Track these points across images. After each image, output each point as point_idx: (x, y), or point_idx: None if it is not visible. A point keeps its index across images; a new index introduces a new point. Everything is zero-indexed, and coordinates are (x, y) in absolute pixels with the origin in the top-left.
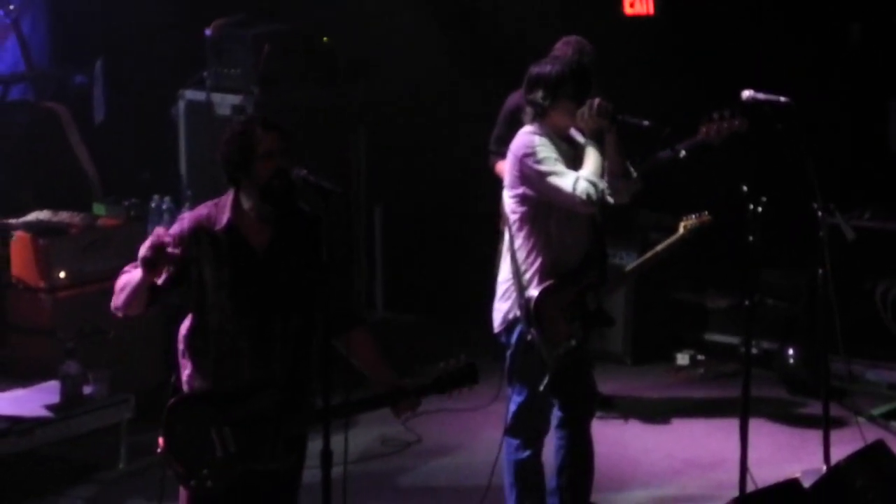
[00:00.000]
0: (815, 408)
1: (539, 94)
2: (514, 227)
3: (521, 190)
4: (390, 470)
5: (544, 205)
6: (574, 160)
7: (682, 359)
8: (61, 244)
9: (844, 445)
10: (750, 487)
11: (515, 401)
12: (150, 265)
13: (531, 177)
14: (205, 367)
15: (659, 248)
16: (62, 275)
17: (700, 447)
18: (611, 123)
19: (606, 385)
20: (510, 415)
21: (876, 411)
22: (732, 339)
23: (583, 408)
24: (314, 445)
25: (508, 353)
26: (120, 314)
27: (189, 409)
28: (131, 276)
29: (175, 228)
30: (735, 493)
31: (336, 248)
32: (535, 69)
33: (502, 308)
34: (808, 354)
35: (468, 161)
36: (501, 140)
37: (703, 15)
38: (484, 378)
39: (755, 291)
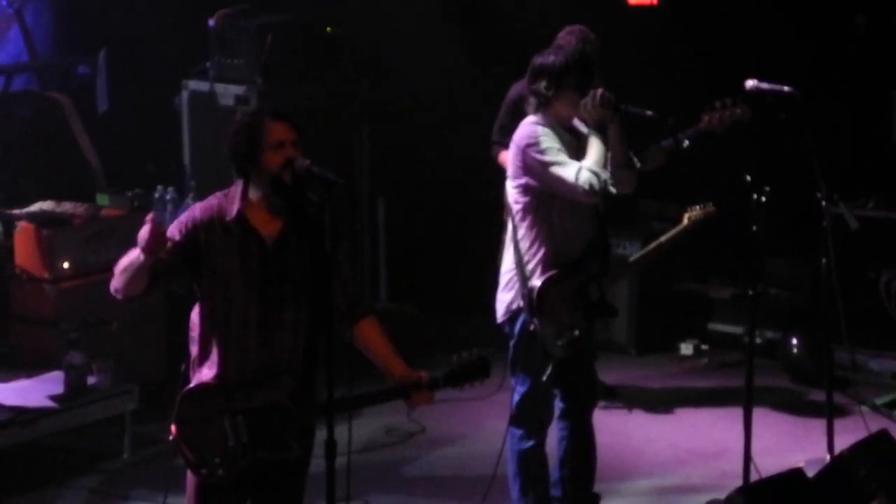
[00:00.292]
0: (818, 397)
1: (542, 85)
2: (517, 218)
3: (524, 180)
4: (394, 460)
5: (547, 195)
6: (577, 150)
7: (686, 349)
8: (65, 235)
9: (848, 435)
10: (754, 477)
11: (519, 391)
12: (148, 248)
13: (534, 167)
14: (213, 355)
15: (663, 238)
16: (66, 265)
17: (704, 437)
18: (614, 113)
19: (610, 375)
20: (514, 405)
21: (879, 400)
22: (736, 329)
23: (585, 398)
24: (320, 435)
25: (511, 343)
26: (120, 296)
27: (202, 399)
28: (132, 257)
29: (186, 216)
30: (739, 482)
31: (341, 240)
32: (538, 59)
33: (505, 298)
34: (811, 344)
35: (471, 151)
36: (504, 130)
37: (706, 5)
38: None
39: (758, 281)
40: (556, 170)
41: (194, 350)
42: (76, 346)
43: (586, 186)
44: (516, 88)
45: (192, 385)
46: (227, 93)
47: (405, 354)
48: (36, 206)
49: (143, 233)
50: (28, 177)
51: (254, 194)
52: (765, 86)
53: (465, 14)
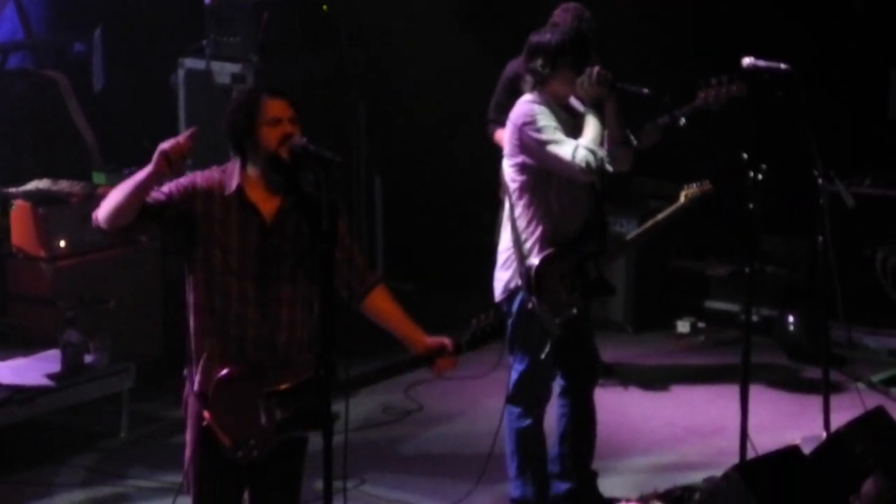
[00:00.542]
0: (815, 374)
1: (539, 63)
2: (514, 196)
3: (520, 159)
4: (391, 438)
5: (544, 173)
6: (573, 129)
7: (683, 326)
8: (61, 213)
9: (844, 412)
10: (750, 454)
11: (517, 369)
12: (167, 158)
13: (531, 146)
14: (210, 325)
15: (660, 216)
16: (62, 244)
17: (700, 414)
18: (610, 91)
19: (607, 353)
20: (511, 383)
21: (876, 378)
22: (733, 307)
23: (585, 376)
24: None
25: (509, 321)
26: (102, 221)
27: (235, 383)
28: (133, 178)
29: (187, 179)
30: (735, 459)
31: (340, 216)
32: (534, 37)
33: (503, 277)
34: (808, 321)
35: (468, 129)
36: (500, 108)
37: None
38: (485, 347)
39: (755, 259)
40: (552, 148)
41: (195, 322)
42: (73, 324)
43: (583, 164)
44: (512, 66)
45: (225, 372)
46: (224, 71)
47: None
48: (32, 185)
49: (171, 140)
50: (24, 155)
51: (252, 171)
52: (762, 63)
53: None
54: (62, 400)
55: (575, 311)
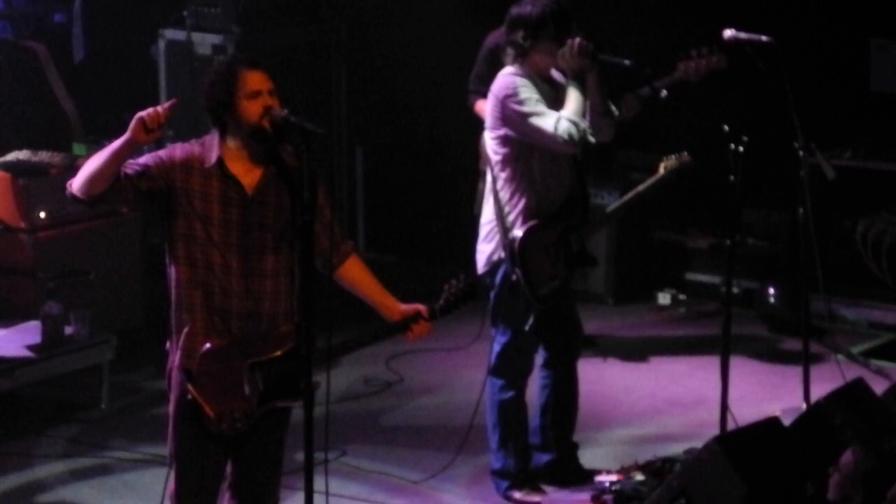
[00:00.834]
0: (795, 346)
1: (520, 35)
2: (497, 169)
3: (502, 131)
4: (373, 409)
5: (527, 146)
6: (555, 101)
7: (664, 298)
8: (41, 184)
9: (824, 384)
10: (730, 426)
11: (500, 341)
12: (144, 126)
13: (513, 118)
14: (193, 298)
15: (640, 188)
16: (42, 215)
17: (681, 386)
18: (592, 63)
19: (588, 325)
20: (494, 355)
21: (855, 349)
22: (713, 279)
23: (567, 348)
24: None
25: (492, 293)
26: (75, 190)
27: (220, 356)
28: (110, 147)
29: (165, 151)
30: (716, 431)
31: (320, 185)
32: (515, 10)
33: (486, 250)
34: (788, 293)
35: (450, 100)
36: (481, 79)
37: None
38: (465, 318)
39: (736, 231)
40: (535, 120)
41: (177, 295)
42: (53, 295)
43: (565, 136)
44: (493, 37)
45: (209, 346)
46: (204, 42)
47: None
48: (12, 156)
49: (151, 108)
50: (3, 126)
51: (232, 143)
52: (743, 35)
53: None
54: (42, 371)
55: (558, 282)
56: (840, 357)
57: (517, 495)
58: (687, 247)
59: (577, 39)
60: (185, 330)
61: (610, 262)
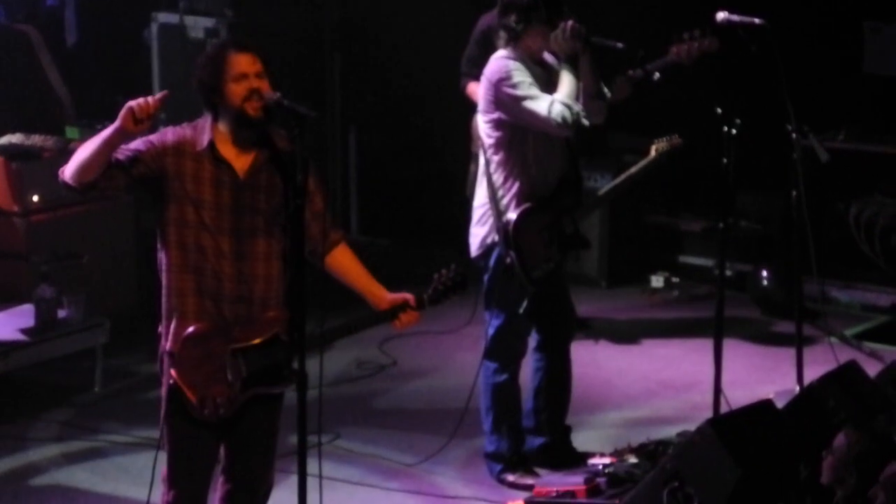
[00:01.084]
0: (788, 329)
1: (512, 19)
2: (490, 152)
3: (496, 115)
4: (366, 393)
5: (520, 129)
6: (548, 84)
7: (657, 281)
8: (34, 168)
9: (817, 366)
10: (724, 408)
11: (493, 324)
12: (133, 115)
13: (506, 102)
14: (184, 283)
15: (632, 170)
16: (35, 198)
17: (674, 369)
18: (584, 46)
19: (581, 308)
20: (488, 338)
21: (848, 332)
22: (706, 262)
23: (561, 331)
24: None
25: (486, 276)
26: (67, 178)
27: (202, 340)
28: (101, 135)
29: (157, 136)
30: (709, 414)
31: (312, 171)
32: None
33: (479, 233)
34: (781, 276)
35: (443, 83)
36: (473, 61)
37: None
38: (459, 301)
39: (729, 214)
40: (528, 104)
41: (168, 279)
42: (47, 279)
43: (559, 119)
44: (485, 20)
45: (191, 330)
46: (197, 25)
47: None
48: (5, 139)
49: (141, 98)
50: None
51: (223, 126)
52: (735, 18)
53: None
54: (36, 355)
55: (552, 265)
56: (833, 339)
57: (510, 478)
58: (680, 230)
59: (570, 22)
60: (177, 314)
61: (603, 245)
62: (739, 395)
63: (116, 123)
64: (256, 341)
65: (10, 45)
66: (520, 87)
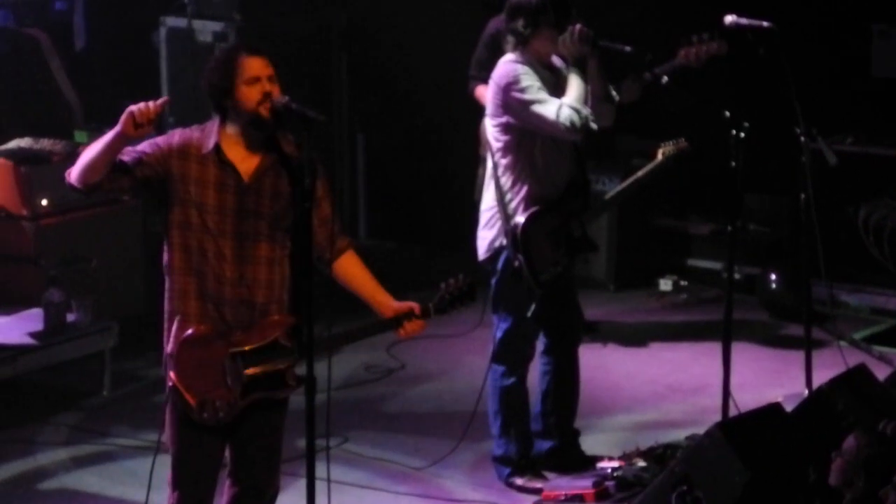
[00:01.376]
0: (797, 332)
1: (520, 23)
2: (498, 156)
3: (504, 119)
4: (374, 396)
5: (528, 133)
6: (556, 87)
7: (665, 284)
8: (43, 172)
9: (826, 369)
10: (732, 412)
11: (501, 328)
12: (134, 119)
13: (515, 106)
14: (189, 288)
15: (639, 174)
16: (44, 202)
17: (683, 372)
18: (592, 49)
19: (589, 311)
20: (496, 342)
21: (857, 335)
22: (715, 265)
23: (569, 334)
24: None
25: (494, 280)
26: (73, 180)
27: (201, 344)
28: (105, 137)
29: (163, 138)
30: (718, 417)
31: (320, 176)
32: None
33: (487, 236)
34: (790, 279)
35: (451, 87)
36: (482, 64)
37: None
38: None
39: (737, 217)
40: (537, 108)
41: (170, 282)
42: (55, 283)
43: (567, 123)
44: (494, 23)
45: (189, 332)
46: (205, 29)
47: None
48: (14, 143)
49: (142, 103)
50: (5, 114)
51: (231, 130)
52: (744, 21)
53: None
54: (44, 359)
55: (560, 268)
56: (842, 343)
57: (519, 482)
58: (688, 233)
59: (578, 26)
60: (178, 317)
61: (611, 249)
62: (748, 398)
63: (118, 128)
64: (255, 345)
65: (19, 50)
66: (528, 91)
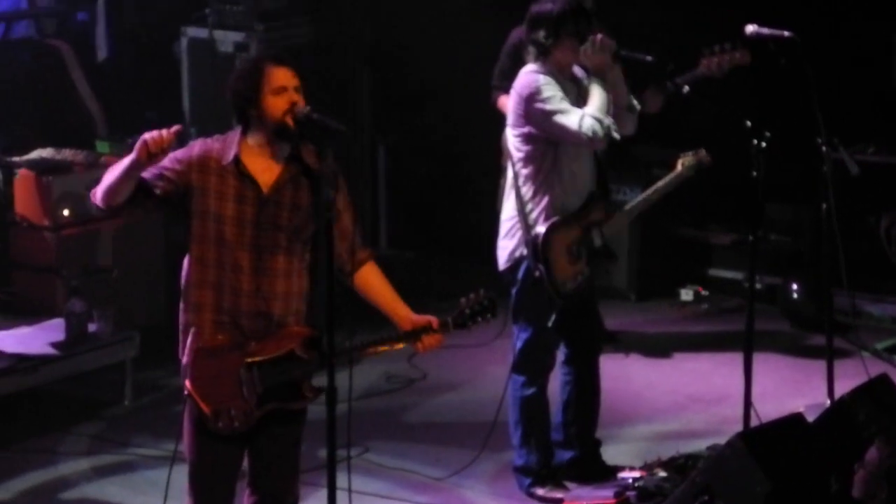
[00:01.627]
0: (818, 342)
1: (541, 34)
2: (519, 166)
3: (526, 129)
4: (395, 406)
5: (550, 143)
6: (578, 97)
7: (686, 294)
8: (65, 182)
9: (848, 379)
10: (754, 422)
11: (521, 338)
12: (147, 149)
13: (537, 116)
14: (206, 299)
15: (659, 184)
16: (66, 213)
17: (704, 382)
18: (614, 59)
19: (610, 321)
20: (516, 352)
21: (880, 345)
22: (736, 275)
23: (589, 344)
24: (321, 380)
25: (514, 290)
26: (98, 201)
27: (217, 353)
28: (119, 161)
29: (183, 152)
30: (739, 427)
31: (341, 188)
32: (535, 8)
33: (508, 246)
34: (811, 289)
35: (472, 97)
36: (505, 75)
37: None
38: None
39: (759, 226)
40: (559, 118)
41: (186, 293)
42: (77, 293)
43: (590, 133)
44: (517, 33)
45: (205, 342)
46: (227, 39)
47: (404, 301)
48: (36, 154)
49: (156, 131)
50: (28, 124)
51: (253, 140)
52: (765, 31)
53: None
54: (66, 369)
55: (580, 278)
56: (864, 353)
57: (540, 492)
58: (709, 242)
59: (599, 36)
60: (193, 328)
61: (632, 258)
62: (769, 408)
63: (133, 155)
64: (271, 356)
65: (41, 60)
66: (550, 102)
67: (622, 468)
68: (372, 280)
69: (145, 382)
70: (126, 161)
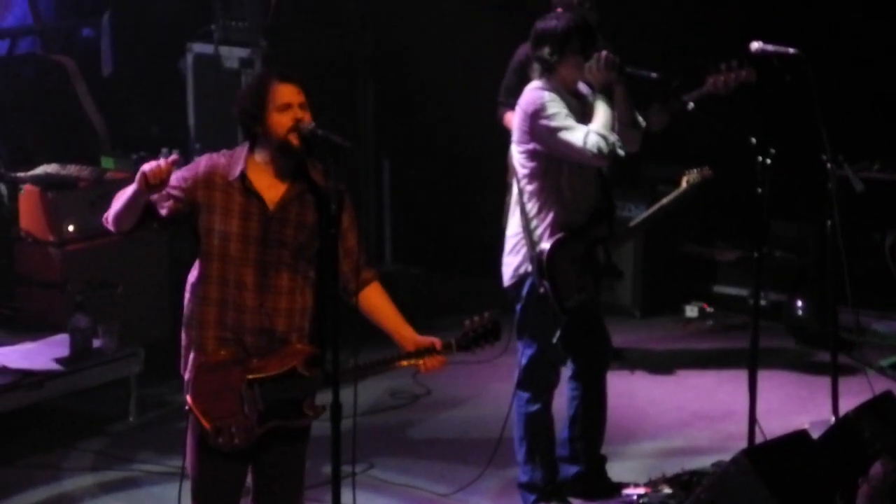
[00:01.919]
0: (823, 359)
1: (546, 51)
2: (524, 182)
3: (530, 146)
4: (400, 423)
5: (555, 160)
6: (583, 114)
7: (691, 311)
8: (70, 197)
9: (853, 396)
10: (759, 439)
11: (526, 354)
12: (147, 180)
13: (541, 133)
14: (209, 315)
15: (664, 201)
16: (71, 228)
17: (709, 399)
18: (619, 76)
19: (615, 338)
20: (521, 368)
21: (884, 362)
22: (741, 291)
23: (596, 360)
24: (324, 398)
25: (519, 306)
26: (110, 226)
27: (218, 369)
28: (124, 190)
29: (189, 169)
30: (744, 444)
31: (346, 207)
32: (540, 25)
33: (512, 262)
34: (816, 306)
35: (477, 114)
36: (510, 91)
37: None
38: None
39: (764, 243)
40: (564, 135)
41: (190, 310)
42: (81, 308)
43: (595, 150)
44: (523, 50)
45: (206, 357)
46: (232, 55)
47: (410, 317)
48: (41, 169)
49: (154, 162)
50: (33, 139)
51: (259, 157)
52: (770, 48)
53: None
54: (71, 384)
55: (585, 295)
56: (869, 370)
57: None
58: (715, 259)
59: (604, 52)
60: (195, 345)
61: (637, 275)
62: (774, 425)
63: (134, 186)
64: (273, 373)
65: (46, 76)
66: (555, 119)
67: (627, 485)
68: (376, 300)
69: (150, 398)
70: (129, 191)
